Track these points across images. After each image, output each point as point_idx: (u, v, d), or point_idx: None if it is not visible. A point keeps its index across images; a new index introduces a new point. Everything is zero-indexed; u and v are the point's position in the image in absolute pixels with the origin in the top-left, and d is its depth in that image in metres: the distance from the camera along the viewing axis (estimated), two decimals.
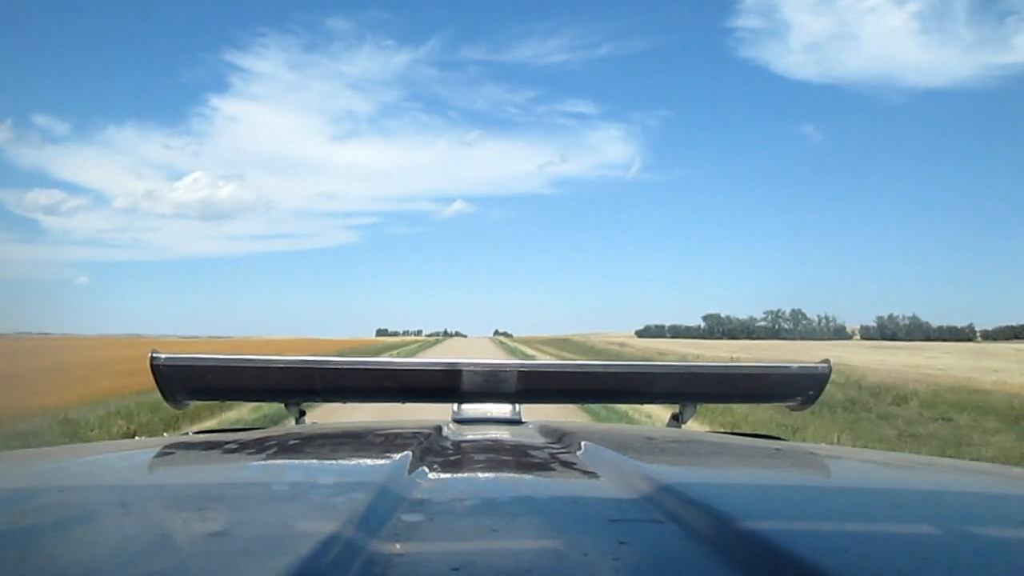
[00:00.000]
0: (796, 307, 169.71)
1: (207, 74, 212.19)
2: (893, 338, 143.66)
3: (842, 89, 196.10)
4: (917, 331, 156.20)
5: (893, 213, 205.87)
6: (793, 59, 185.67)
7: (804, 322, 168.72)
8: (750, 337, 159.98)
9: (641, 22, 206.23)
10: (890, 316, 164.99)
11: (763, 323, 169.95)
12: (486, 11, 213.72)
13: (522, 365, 1.16)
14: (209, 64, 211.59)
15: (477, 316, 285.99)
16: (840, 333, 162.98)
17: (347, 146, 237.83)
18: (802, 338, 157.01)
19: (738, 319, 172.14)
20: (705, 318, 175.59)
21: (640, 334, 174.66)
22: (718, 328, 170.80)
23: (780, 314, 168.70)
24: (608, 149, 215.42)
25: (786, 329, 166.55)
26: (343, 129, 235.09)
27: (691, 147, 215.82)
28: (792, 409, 1.31)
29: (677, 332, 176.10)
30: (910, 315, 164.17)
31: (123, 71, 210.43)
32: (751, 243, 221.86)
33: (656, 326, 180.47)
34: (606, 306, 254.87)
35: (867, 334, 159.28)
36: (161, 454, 0.86)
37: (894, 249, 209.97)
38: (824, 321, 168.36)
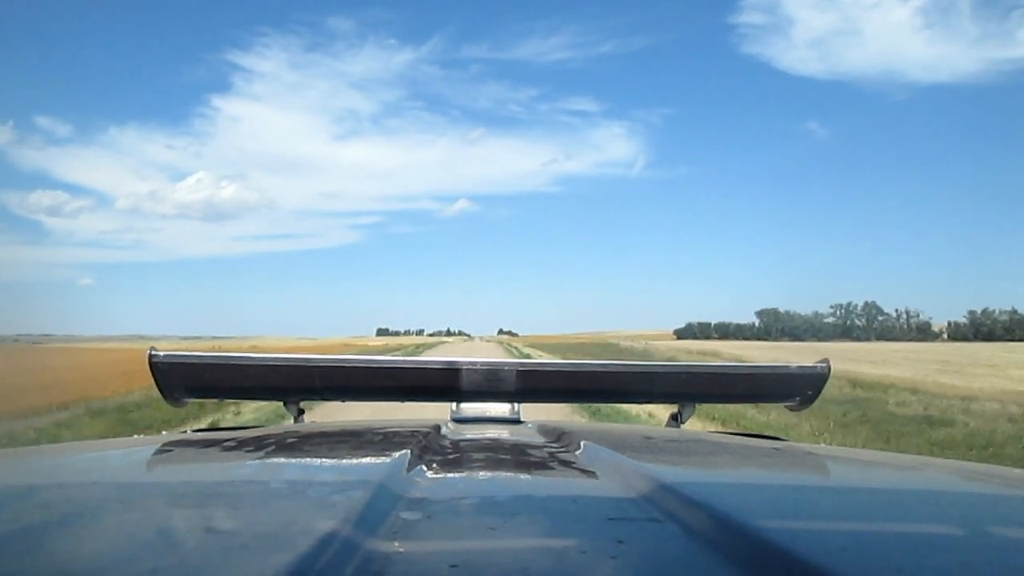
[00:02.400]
0: (870, 300, 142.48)
1: (209, 74, 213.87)
2: (989, 337, 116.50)
3: (846, 85, 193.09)
4: (1018, 328, 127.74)
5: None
6: (796, 55, 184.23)
7: (880, 318, 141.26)
8: (816, 336, 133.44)
9: (643, 19, 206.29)
10: (984, 311, 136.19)
11: (831, 319, 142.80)
12: (488, 9, 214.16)
13: (521, 364, 1.16)
14: (211, 64, 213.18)
15: (481, 315, 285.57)
16: (924, 331, 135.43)
17: (349, 145, 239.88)
18: (878, 337, 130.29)
19: (800, 315, 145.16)
20: (760, 314, 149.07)
21: (680, 334, 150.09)
22: (776, 326, 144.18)
23: (851, 308, 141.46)
24: (611, 147, 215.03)
25: (859, 326, 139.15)
26: (345, 128, 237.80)
27: (695, 144, 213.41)
28: (791, 409, 1.30)
29: (726, 331, 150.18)
30: (1008, 309, 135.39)
31: (125, 72, 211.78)
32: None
33: (700, 324, 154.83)
34: (617, 304, 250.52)
35: (956, 332, 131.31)
36: (160, 452, 0.86)
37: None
38: (904, 316, 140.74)
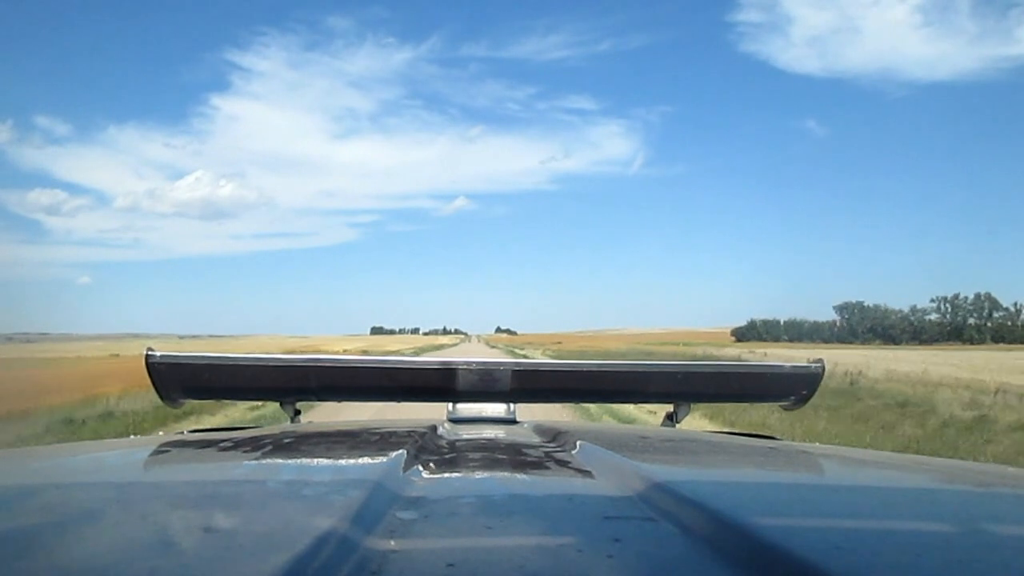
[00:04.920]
0: (983, 291, 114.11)
1: (208, 73, 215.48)
2: None
3: (845, 83, 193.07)
4: None
5: None
6: (795, 53, 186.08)
7: (997, 314, 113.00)
8: (918, 338, 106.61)
9: (642, 17, 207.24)
10: None
11: (934, 316, 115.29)
12: (486, 8, 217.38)
13: (517, 364, 1.18)
14: (210, 63, 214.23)
15: (478, 313, 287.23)
16: None
17: (348, 144, 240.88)
18: (994, 338, 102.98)
19: (892, 310, 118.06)
20: (840, 309, 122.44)
21: (740, 334, 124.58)
22: (862, 324, 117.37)
23: (959, 302, 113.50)
24: (609, 145, 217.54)
25: (971, 325, 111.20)
26: (344, 127, 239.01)
27: (693, 142, 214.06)
28: (786, 409, 1.31)
29: (799, 330, 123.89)
30: None
31: (124, 71, 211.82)
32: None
33: (765, 322, 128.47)
34: (621, 303, 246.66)
35: None
36: (157, 452, 0.87)
37: None
38: None
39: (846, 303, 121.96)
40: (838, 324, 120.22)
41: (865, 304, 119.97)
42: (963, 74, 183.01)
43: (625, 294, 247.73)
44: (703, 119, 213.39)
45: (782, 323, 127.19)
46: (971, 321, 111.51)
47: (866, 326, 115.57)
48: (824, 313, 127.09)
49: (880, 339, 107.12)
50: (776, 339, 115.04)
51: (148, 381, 1.14)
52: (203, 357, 1.15)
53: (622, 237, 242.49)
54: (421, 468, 0.68)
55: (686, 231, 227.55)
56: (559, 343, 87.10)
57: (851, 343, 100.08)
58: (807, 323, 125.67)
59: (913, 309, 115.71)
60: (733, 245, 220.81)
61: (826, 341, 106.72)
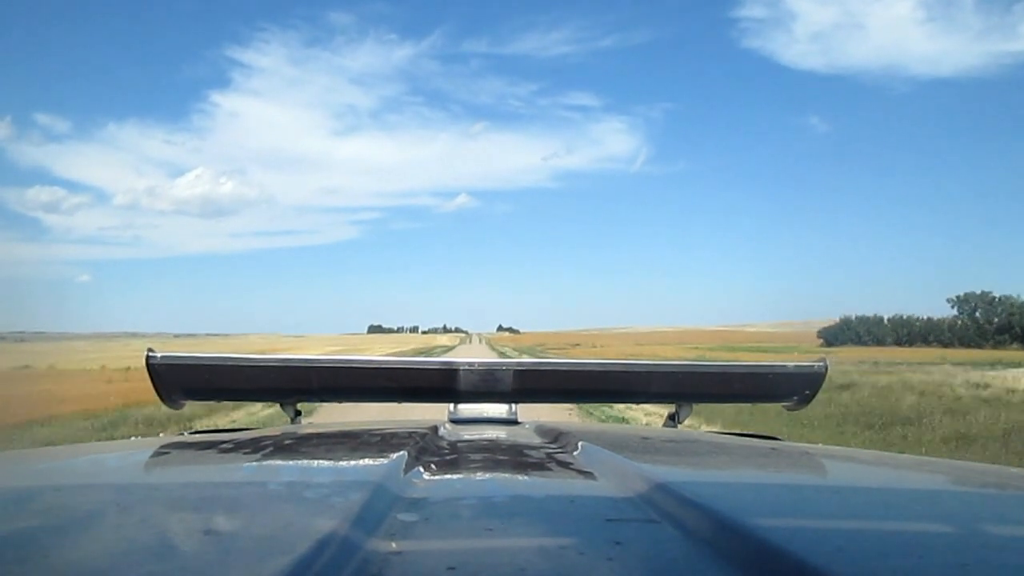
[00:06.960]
0: None
1: (208, 70, 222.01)
2: None
3: (848, 79, 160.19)
4: None
5: None
6: (798, 49, 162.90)
7: None
8: None
9: (644, 13, 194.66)
10: None
11: None
12: (488, 4, 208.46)
13: (518, 364, 1.18)
14: (210, 60, 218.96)
15: (480, 311, 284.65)
16: None
17: (349, 141, 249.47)
18: None
19: None
20: (959, 303, 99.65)
21: (831, 335, 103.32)
22: (992, 321, 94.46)
23: None
24: (611, 141, 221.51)
25: None
26: (345, 124, 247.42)
27: (696, 139, 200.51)
28: (788, 409, 1.32)
29: (911, 330, 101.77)
30: None
31: (124, 68, 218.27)
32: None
33: (862, 319, 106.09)
34: (626, 301, 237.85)
35: None
36: (157, 454, 0.87)
37: None
38: None
39: (967, 295, 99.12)
40: (959, 321, 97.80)
41: (993, 296, 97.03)
42: (967, 70, 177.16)
43: (630, 292, 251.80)
44: (706, 115, 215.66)
45: (886, 320, 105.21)
46: None
47: (997, 324, 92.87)
48: (934, 307, 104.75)
49: (1018, 341, 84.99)
50: (880, 341, 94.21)
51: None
52: (204, 358, 1.14)
53: (626, 234, 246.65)
54: (422, 469, 0.69)
55: (691, 228, 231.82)
56: (577, 345, 70.67)
57: (980, 346, 79.02)
58: (918, 321, 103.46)
59: None
60: (745, 244, 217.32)
61: (945, 344, 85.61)
